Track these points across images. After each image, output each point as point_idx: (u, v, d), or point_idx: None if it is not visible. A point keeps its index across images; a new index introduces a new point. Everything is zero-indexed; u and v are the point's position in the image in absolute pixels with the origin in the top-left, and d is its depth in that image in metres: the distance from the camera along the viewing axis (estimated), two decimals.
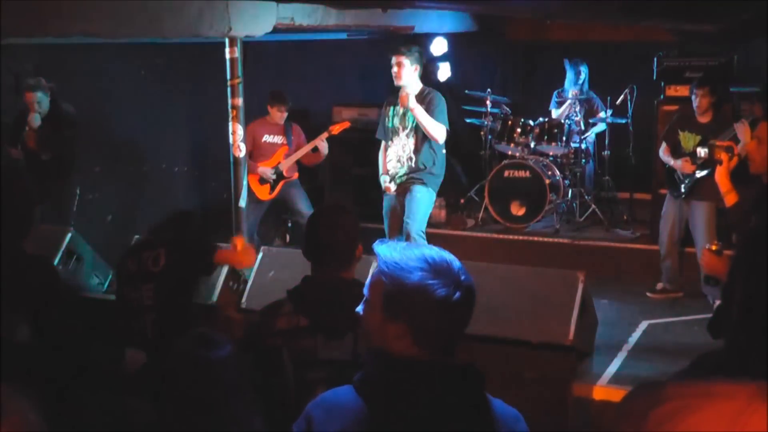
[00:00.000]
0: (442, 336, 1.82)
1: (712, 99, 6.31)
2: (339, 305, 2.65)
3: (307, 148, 7.45)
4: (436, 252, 1.85)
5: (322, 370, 2.67)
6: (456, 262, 1.84)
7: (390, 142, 6.27)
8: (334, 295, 2.75)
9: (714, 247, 3.68)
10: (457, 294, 1.79)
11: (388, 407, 1.75)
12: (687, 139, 6.43)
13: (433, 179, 6.18)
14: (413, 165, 6.13)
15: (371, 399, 1.77)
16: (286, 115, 7.48)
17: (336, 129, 7.42)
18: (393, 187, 6.25)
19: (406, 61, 6.06)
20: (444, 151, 6.27)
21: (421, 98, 6.09)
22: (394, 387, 1.77)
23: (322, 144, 7.41)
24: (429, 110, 6.04)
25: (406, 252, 1.83)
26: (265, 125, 7.49)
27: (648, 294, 6.66)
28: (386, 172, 6.33)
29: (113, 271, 4.53)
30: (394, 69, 6.08)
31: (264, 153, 7.47)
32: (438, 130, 6.04)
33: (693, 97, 6.37)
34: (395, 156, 6.23)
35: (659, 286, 6.67)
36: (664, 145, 6.61)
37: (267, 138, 7.47)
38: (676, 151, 6.47)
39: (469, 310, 1.84)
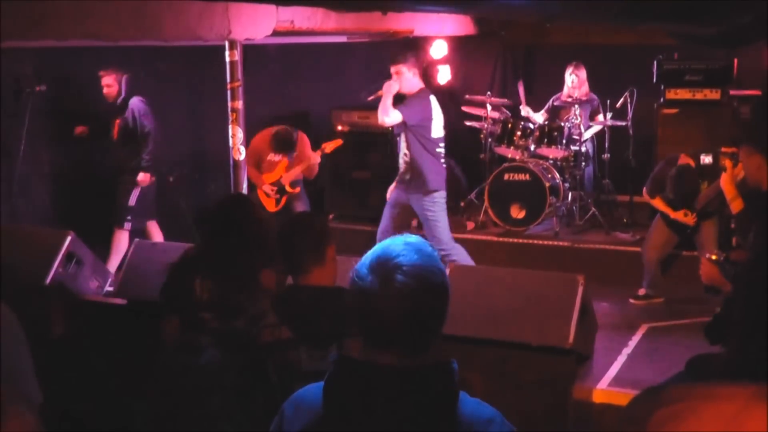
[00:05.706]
0: (378, 332, 1.73)
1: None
2: (322, 316, 2.66)
3: (305, 164, 7.54)
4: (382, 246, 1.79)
5: (307, 382, 2.70)
6: (392, 253, 1.75)
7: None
8: (316, 305, 2.75)
9: (714, 257, 3.58)
10: (373, 283, 1.71)
11: (341, 409, 1.73)
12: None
13: (432, 179, 6.32)
14: (405, 166, 6.41)
15: (328, 400, 1.75)
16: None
17: (329, 147, 7.56)
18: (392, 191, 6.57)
19: (403, 68, 6.32)
20: (439, 149, 6.39)
21: (411, 96, 6.35)
22: (347, 390, 1.74)
23: (315, 158, 7.62)
24: (404, 102, 6.33)
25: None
26: (269, 144, 7.59)
27: (631, 300, 6.65)
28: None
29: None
30: (394, 77, 6.33)
31: (267, 167, 7.67)
32: (384, 113, 6.20)
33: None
34: (400, 156, 6.54)
35: (641, 291, 6.66)
36: (647, 192, 6.52)
37: (270, 156, 7.62)
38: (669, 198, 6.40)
39: (400, 303, 1.70)
